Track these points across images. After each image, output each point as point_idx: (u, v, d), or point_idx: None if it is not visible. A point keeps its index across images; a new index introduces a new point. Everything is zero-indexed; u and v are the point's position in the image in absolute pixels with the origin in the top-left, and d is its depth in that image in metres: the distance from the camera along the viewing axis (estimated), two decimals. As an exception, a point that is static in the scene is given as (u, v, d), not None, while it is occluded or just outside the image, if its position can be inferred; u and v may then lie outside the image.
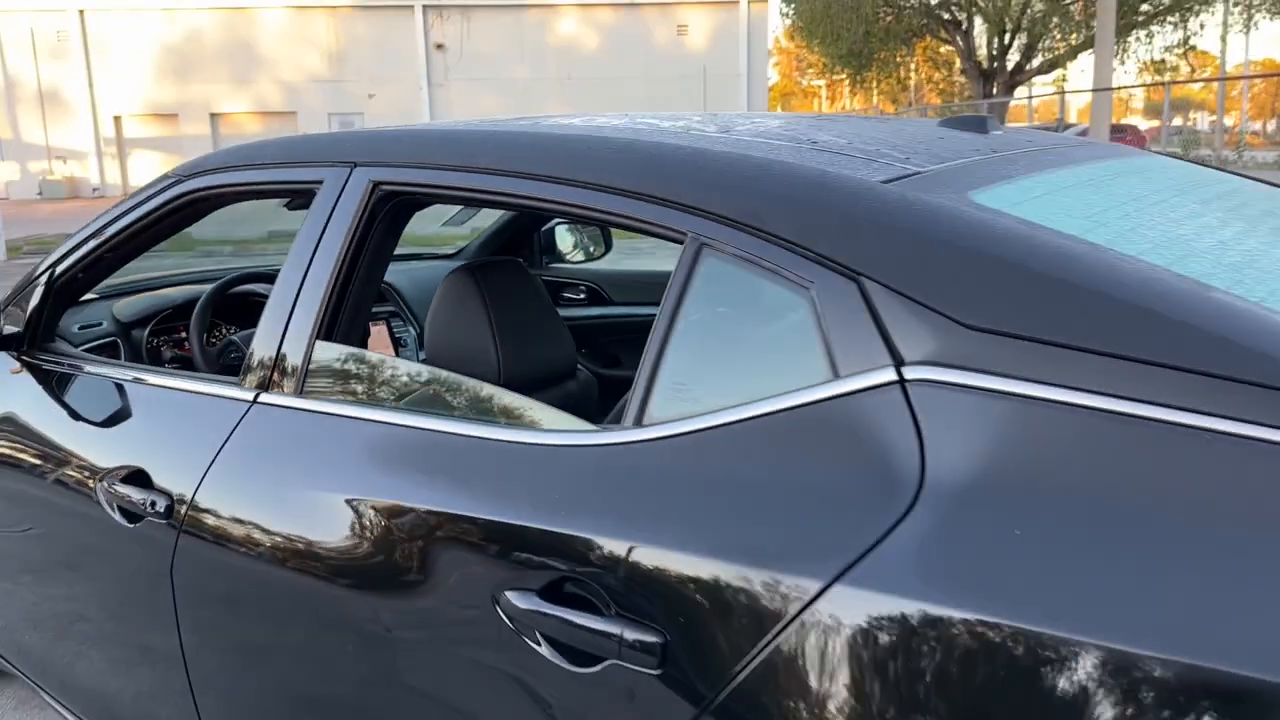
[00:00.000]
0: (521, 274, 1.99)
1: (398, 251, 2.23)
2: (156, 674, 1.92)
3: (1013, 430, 1.01)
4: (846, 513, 1.06)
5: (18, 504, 2.18)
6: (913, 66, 21.11)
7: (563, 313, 2.90)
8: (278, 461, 1.64)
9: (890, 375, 1.09)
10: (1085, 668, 0.89)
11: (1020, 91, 19.70)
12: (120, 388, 2.00)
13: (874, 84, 21.11)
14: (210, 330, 2.85)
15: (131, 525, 1.82)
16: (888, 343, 1.10)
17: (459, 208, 3.45)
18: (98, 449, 1.95)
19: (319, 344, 1.68)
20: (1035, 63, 18.61)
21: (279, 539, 1.58)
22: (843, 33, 18.07)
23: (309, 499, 1.56)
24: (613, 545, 1.20)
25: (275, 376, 1.72)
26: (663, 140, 1.47)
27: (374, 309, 2.64)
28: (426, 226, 3.73)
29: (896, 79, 21.33)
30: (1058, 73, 19.92)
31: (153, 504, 1.76)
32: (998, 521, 0.99)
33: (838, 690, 1.02)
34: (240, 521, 1.64)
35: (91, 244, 2.21)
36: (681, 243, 1.32)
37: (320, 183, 1.79)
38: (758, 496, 1.14)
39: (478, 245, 3.62)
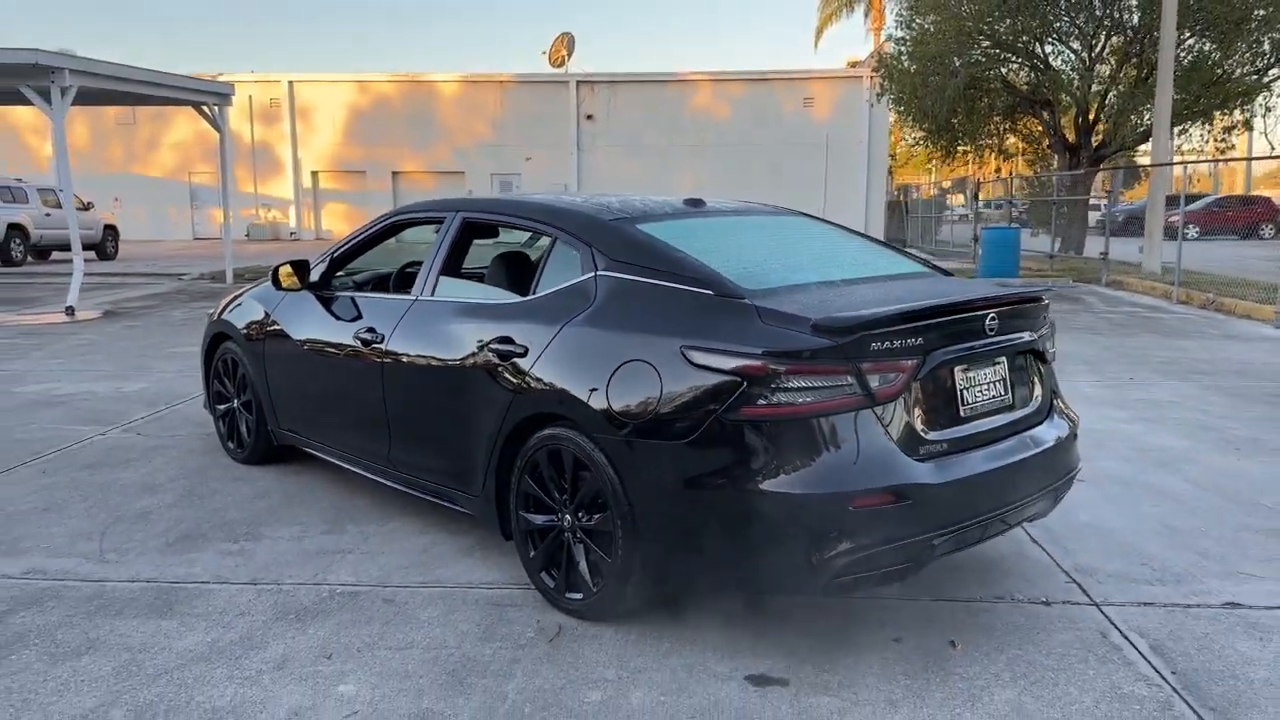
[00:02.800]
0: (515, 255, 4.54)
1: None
2: (370, 426, 4.50)
3: (619, 287, 3.45)
4: (575, 307, 3.50)
5: (314, 360, 4.83)
6: (1002, 142, 22.68)
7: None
8: (423, 322, 4.22)
9: (593, 274, 3.56)
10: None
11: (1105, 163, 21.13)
12: (355, 302, 4.65)
13: (969, 157, 22.90)
14: (390, 282, 5.47)
15: (365, 348, 4.42)
16: (594, 264, 3.58)
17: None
18: (350, 322, 4.58)
19: (441, 278, 4.28)
20: (1118, 140, 20.06)
21: (423, 355, 4.14)
22: (932, 111, 19.95)
23: (435, 334, 4.12)
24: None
25: (424, 290, 4.31)
26: (554, 201, 4.01)
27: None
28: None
29: (989, 151, 23.05)
30: (1142, 148, 21.25)
31: (378, 338, 4.36)
32: (609, 310, 3.42)
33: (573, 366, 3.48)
34: (409, 348, 4.22)
35: (349, 244, 4.90)
36: (551, 236, 3.85)
37: (444, 217, 4.40)
38: (558, 308, 3.60)
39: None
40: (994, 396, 3.34)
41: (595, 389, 3.25)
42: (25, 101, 12.45)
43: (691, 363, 3.04)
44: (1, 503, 4.75)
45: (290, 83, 34.63)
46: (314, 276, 4.86)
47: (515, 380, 3.54)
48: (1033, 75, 20.60)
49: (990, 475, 3.19)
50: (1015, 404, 3.43)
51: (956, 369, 3.20)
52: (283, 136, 34.84)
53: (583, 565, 3.40)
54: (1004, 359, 3.40)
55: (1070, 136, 21.14)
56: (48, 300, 14.27)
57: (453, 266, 4.31)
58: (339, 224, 34.82)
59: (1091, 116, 20.48)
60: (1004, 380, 3.39)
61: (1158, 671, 3.08)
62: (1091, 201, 21.70)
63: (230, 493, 4.90)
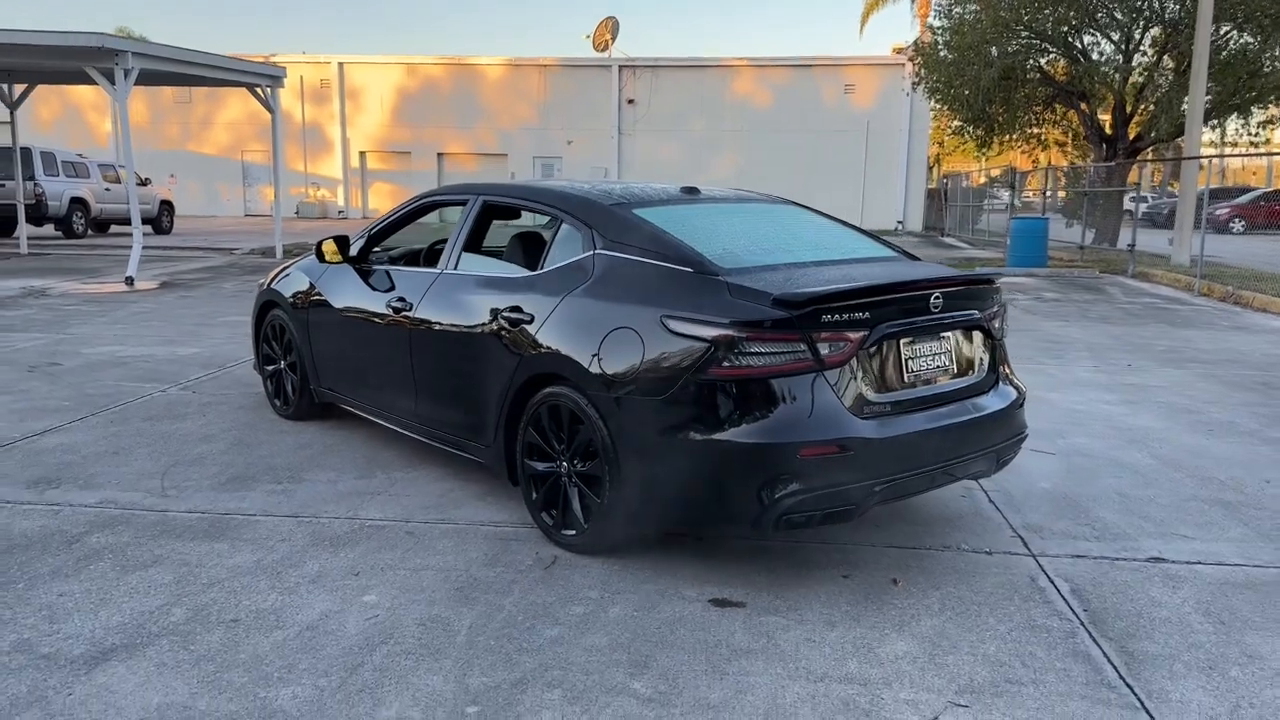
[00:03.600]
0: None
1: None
2: (399, 384, 5.04)
3: (613, 264, 3.93)
4: (576, 281, 3.99)
5: (351, 325, 5.37)
6: (1041, 131, 22.71)
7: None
8: (447, 293, 4.73)
9: (592, 252, 4.04)
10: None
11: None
12: (389, 274, 5.17)
13: (1005, 146, 22.97)
14: (420, 256, 5.99)
15: (396, 315, 4.95)
16: (594, 243, 4.06)
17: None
18: (384, 292, 5.11)
19: (464, 254, 4.78)
20: (1154, 133, 20.05)
21: (445, 321, 4.65)
22: (968, 101, 20.06)
23: (456, 303, 4.63)
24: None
25: (448, 265, 4.82)
26: (561, 186, 4.50)
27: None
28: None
29: (1025, 140, 23.10)
30: (1176, 142, 21.22)
31: (407, 307, 4.88)
32: (603, 284, 3.90)
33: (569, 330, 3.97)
34: (434, 316, 4.73)
35: (385, 221, 5.43)
36: (558, 218, 4.34)
37: (467, 200, 4.91)
38: (561, 281, 4.08)
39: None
40: (938, 366, 3.78)
41: (589, 352, 3.74)
42: (90, 81, 13.17)
43: (669, 330, 3.52)
44: (77, 446, 5.36)
45: (340, 64, 35.44)
46: (353, 251, 5.39)
47: (522, 344, 4.04)
48: (1071, 67, 20.65)
49: (929, 434, 3.63)
50: (959, 374, 3.86)
51: (902, 340, 3.64)
52: (332, 117, 35.67)
53: (576, 506, 3.90)
54: (951, 334, 3.83)
55: (1107, 128, 21.17)
56: (108, 271, 15.07)
57: (474, 244, 4.82)
58: (385, 203, 35.60)
59: (1129, 109, 20.50)
60: (949, 353, 3.83)
61: (1071, 609, 3.51)
62: (1138, 194, 21.69)
63: (275, 443, 5.47)
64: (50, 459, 5.11)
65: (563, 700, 2.83)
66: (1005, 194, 23.83)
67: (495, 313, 4.23)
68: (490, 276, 4.46)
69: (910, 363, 3.68)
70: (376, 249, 5.55)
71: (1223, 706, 2.87)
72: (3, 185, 20.71)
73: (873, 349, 3.54)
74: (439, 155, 35.37)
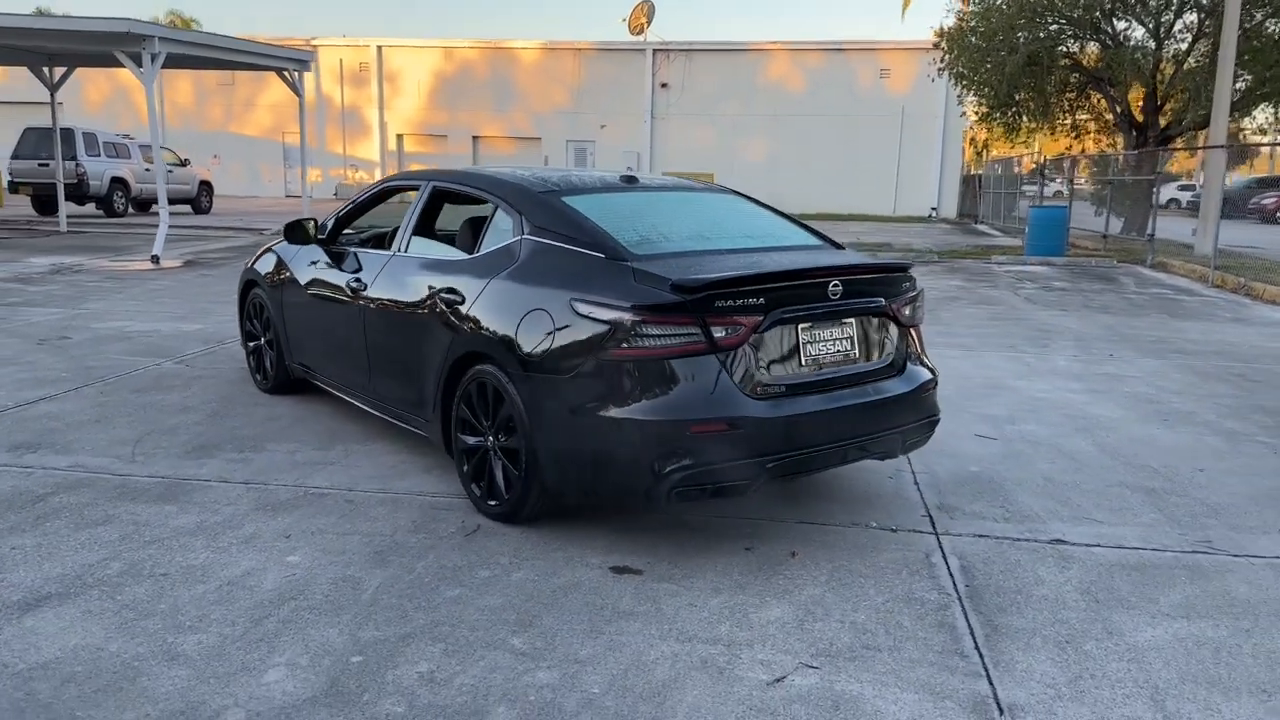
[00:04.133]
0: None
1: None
2: (356, 360, 5.29)
3: (536, 249, 4.13)
4: (503, 264, 4.19)
5: (317, 304, 5.65)
6: (1072, 118, 22.42)
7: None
8: (396, 274, 4.96)
9: (520, 237, 4.25)
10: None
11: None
12: (353, 255, 5.42)
13: (1034, 133, 22.72)
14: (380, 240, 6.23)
15: (353, 295, 5.20)
16: (522, 229, 4.26)
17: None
18: (345, 273, 5.37)
19: (414, 237, 5.02)
20: (1185, 121, 19.71)
21: (393, 301, 4.89)
22: (994, 86, 19.83)
23: (402, 284, 4.87)
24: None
25: (400, 247, 5.06)
26: (500, 173, 4.71)
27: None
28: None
29: (1053, 128, 22.84)
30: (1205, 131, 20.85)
31: (363, 287, 5.13)
32: (526, 268, 4.10)
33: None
34: (384, 295, 4.97)
35: (350, 206, 5.69)
36: (494, 204, 4.54)
37: (419, 186, 5.14)
38: (491, 265, 4.30)
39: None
40: (838, 351, 3.94)
41: (508, 332, 3.95)
42: (120, 64, 13.61)
43: (576, 312, 3.72)
44: (63, 414, 5.70)
45: (379, 47, 35.89)
46: (323, 234, 5.66)
47: (455, 324, 4.27)
48: (1102, 53, 20.38)
49: (825, 415, 3.80)
50: (861, 358, 4.02)
51: (801, 326, 3.81)
52: (370, 100, 36.17)
53: (499, 478, 4.12)
54: (853, 319, 3.98)
55: (1137, 115, 20.87)
56: (138, 249, 15.59)
57: (424, 227, 5.05)
58: (421, 185, 36.15)
59: (1159, 96, 20.19)
60: (851, 338, 3.98)
61: (954, 584, 3.67)
62: (1181, 182, 21.40)
63: (248, 415, 5.77)
64: (36, 425, 5.45)
65: (443, 653, 3.07)
66: (1043, 181, 23.57)
67: (434, 293, 4.46)
68: (433, 259, 4.69)
69: (808, 347, 3.84)
70: (348, 230, 5.81)
71: (1064, 677, 3.02)
72: (45, 165, 21.40)
73: (768, 333, 3.71)
74: (474, 138, 35.74)
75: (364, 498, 4.43)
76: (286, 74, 17.42)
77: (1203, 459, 5.33)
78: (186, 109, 36.96)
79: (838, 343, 3.94)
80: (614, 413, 3.60)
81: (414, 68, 35.79)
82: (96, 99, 37.02)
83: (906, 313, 4.21)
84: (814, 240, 4.62)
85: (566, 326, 3.75)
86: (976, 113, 21.40)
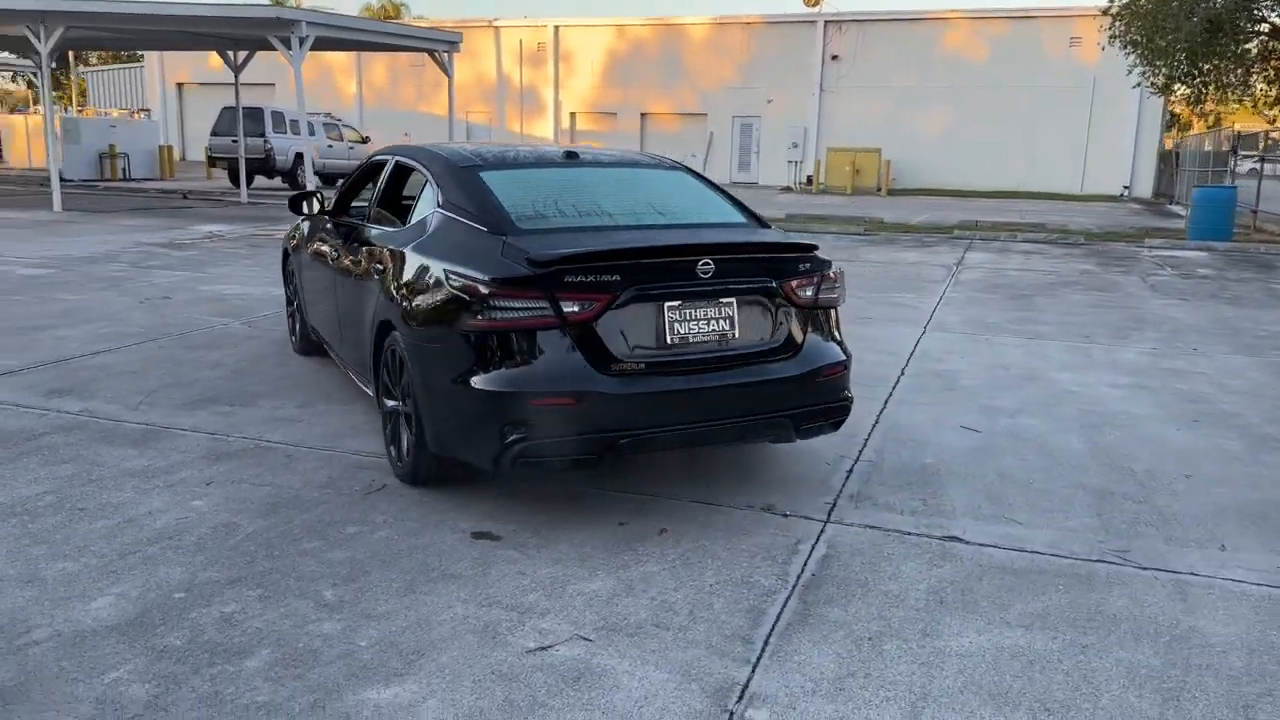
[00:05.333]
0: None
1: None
2: (333, 323, 5.61)
3: (441, 221, 4.26)
4: (416, 236, 4.34)
5: (314, 271, 6.01)
6: (1272, 88, 20.16)
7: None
8: (355, 244, 5.15)
9: (433, 210, 4.39)
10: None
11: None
12: (339, 226, 5.69)
13: (1221, 104, 20.59)
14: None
15: (331, 264, 5.50)
16: (436, 202, 4.41)
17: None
18: (332, 242, 5.68)
19: (377, 208, 5.27)
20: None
21: (349, 270, 5.12)
22: (1168, 54, 18.09)
23: (357, 253, 5.11)
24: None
25: (365, 218, 5.29)
26: (435, 149, 4.85)
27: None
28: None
29: (1254, 101, 20.62)
30: None
31: (336, 255, 5.42)
32: (430, 239, 4.22)
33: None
34: (346, 263, 5.20)
35: (349, 180, 6.02)
36: (424, 178, 4.69)
37: (387, 160, 5.37)
38: (408, 236, 4.46)
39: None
40: (712, 330, 3.87)
41: (405, 302, 4.13)
42: (272, 47, 14.73)
43: (449, 284, 3.85)
44: (112, 365, 6.36)
45: (556, 27, 36.84)
46: (328, 206, 6.03)
47: (377, 292, 4.49)
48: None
49: (690, 394, 3.76)
50: (742, 339, 3.93)
51: (667, 304, 3.77)
52: (547, 79, 37.23)
53: (404, 440, 4.32)
54: (733, 299, 3.90)
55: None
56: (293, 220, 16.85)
57: (388, 199, 5.29)
58: (591, 161, 36.96)
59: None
60: (730, 318, 3.90)
61: (801, 573, 3.56)
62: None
63: (265, 374, 6.24)
64: (80, 374, 6.12)
65: (256, 598, 3.29)
66: (1235, 159, 21.44)
67: (370, 262, 4.69)
68: (379, 231, 4.93)
69: (676, 325, 3.80)
70: (357, 203, 6.15)
71: (835, 673, 2.91)
72: (237, 141, 23.39)
73: (626, 309, 3.70)
74: (642, 115, 36.14)
75: (304, 453, 4.74)
76: (436, 55, 18.26)
77: (1201, 465, 4.85)
78: (382, 89, 39.27)
79: (713, 322, 3.87)
80: (470, 380, 3.72)
81: (588, 47, 36.52)
82: (305, 79, 39.91)
83: (807, 294, 4.08)
84: (737, 219, 4.53)
85: (441, 297, 3.88)
86: (1152, 84, 19.59)
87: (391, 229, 4.79)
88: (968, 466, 4.75)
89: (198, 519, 3.93)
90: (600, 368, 3.66)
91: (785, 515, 4.09)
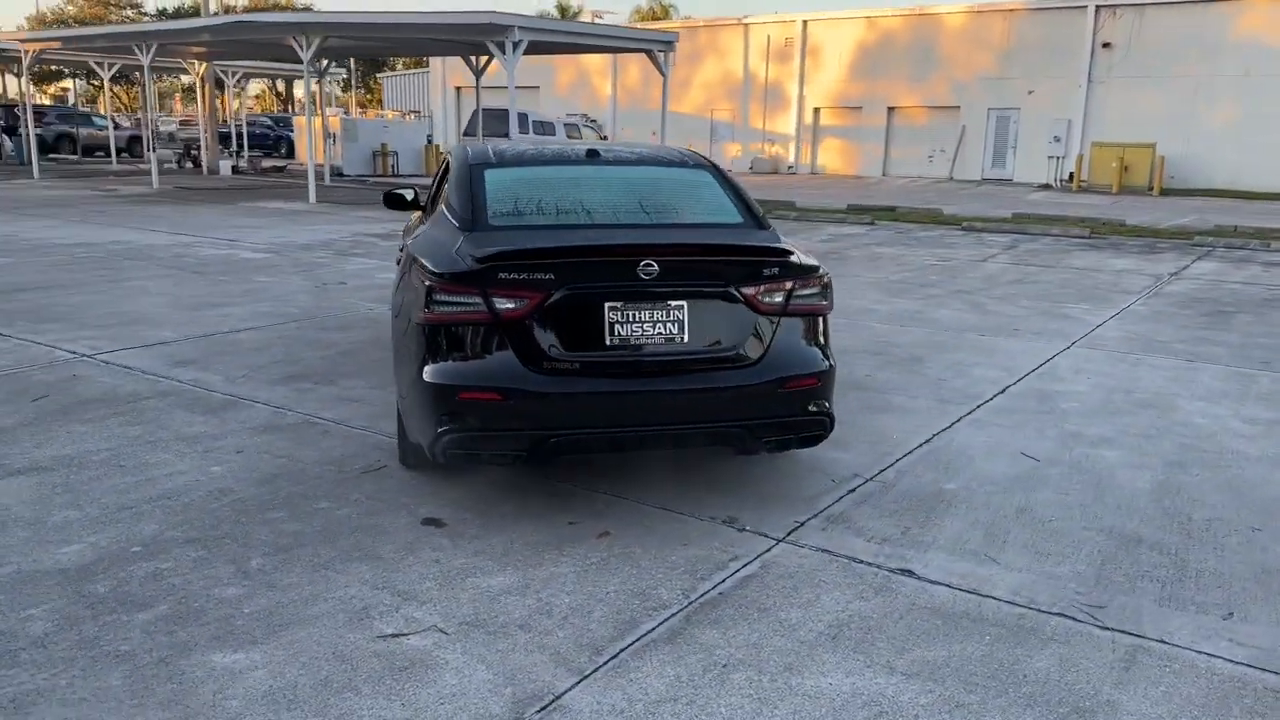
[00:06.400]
0: None
1: None
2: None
3: (436, 217, 4.42)
4: (420, 228, 4.55)
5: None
6: None
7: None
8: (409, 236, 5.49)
9: (440, 205, 4.54)
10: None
11: None
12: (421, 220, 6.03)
13: None
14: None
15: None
16: (443, 200, 4.54)
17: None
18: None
19: (429, 204, 5.51)
20: None
21: (397, 259, 5.42)
22: None
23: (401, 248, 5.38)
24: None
25: (427, 212, 5.56)
26: (470, 146, 4.98)
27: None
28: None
29: None
30: None
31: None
32: (426, 231, 4.41)
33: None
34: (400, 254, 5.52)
35: (436, 177, 6.32)
36: None
37: (448, 158, 5.58)
38: (419, 228, 4.66)
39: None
40: (658, 333, 3.76)
41: (395, 294, 4.34)
42: (486, 51, 15.65)
43: (413, 278, 4.01)
44: (246, 341, 7.08)
45: (804, 22, 36.35)
46: (421, 201, 6.38)
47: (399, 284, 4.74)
48: None
49: (629, 398, 3.69)
50: (691, 343, 3.78)
51: (609, 304, 3.72)
52: (792, 74, 36.84)
53: (399, 425, 4.54)
54: (683, 302, 3.77)
55: None
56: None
57: (436, 195, 5.52)
58: (833, 159, 36.17)
59: None
60: (679, 321, 3.77)
61: (712, 589, 3.41)
62: None
63: (366, 356, 6.71)
64: (214, 348, 6.87)
65: (193, 559, 3.60)
66: None
67: (402, 254, 4.95)
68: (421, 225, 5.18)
69: (616, 326, 3.74)
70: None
71: (661, 696, 2.79)
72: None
73: (562, 308, 3.69)
74: (889, 109, 34.89)
75: (339, 431, 5.08)
76: (652, 55, 18.63)
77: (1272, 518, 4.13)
78: (634, 89, 40.49)
79: (659, 325, 3.77)
80: (415, 370, 3.85)
81: (836, 40, 35.75)
82: (565, 82, 41.95)
83: (773, 300, 3.87)
84: (731, 220, 4.35)
85: (410, 290, 4.05)
86: None
87: (421, 225, 5.02)
88: (991, 497, 4.31)
89: (204, 483, 4.33)
90: (531, 365, 3.68)
91: (742, 530, 3.92)
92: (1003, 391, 6.07)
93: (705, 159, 5.04)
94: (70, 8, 61.49)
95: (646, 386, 3.73)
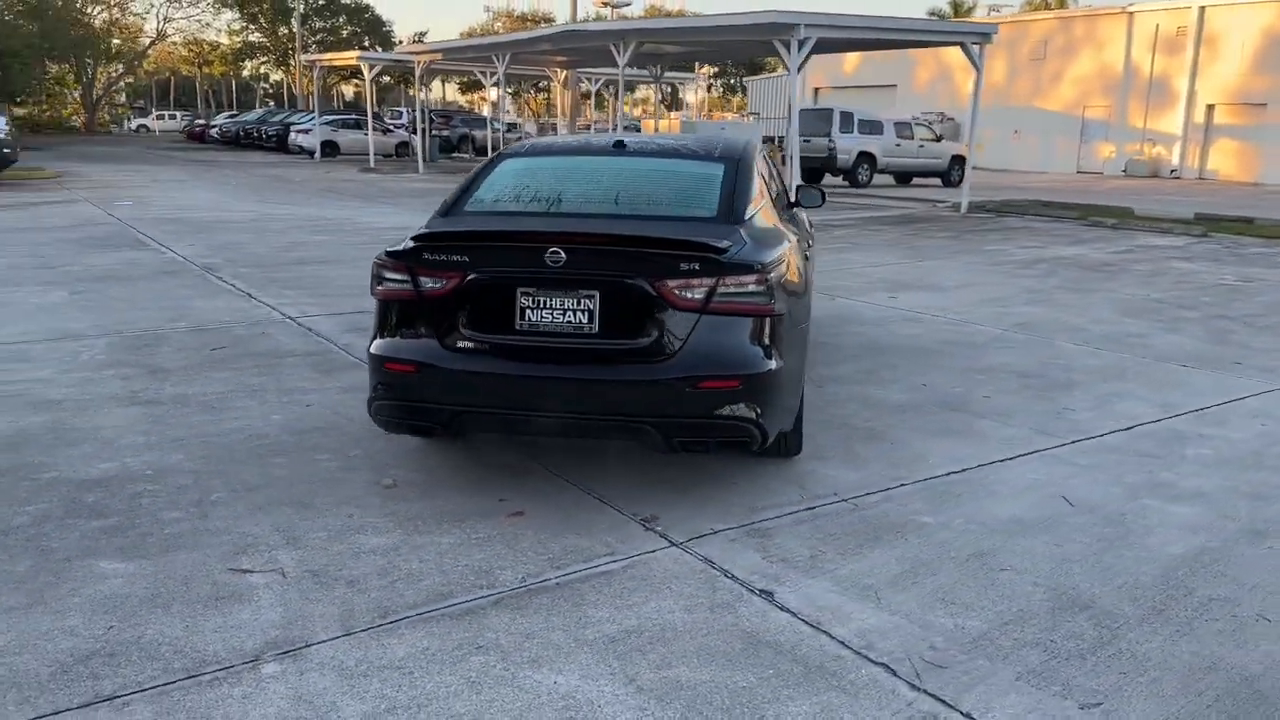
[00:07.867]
0: None
1: None
2: None
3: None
4: None
5: None
6: None
7: None
8: None
9: None
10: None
11: None
12: None
13: None
14: None
15: None
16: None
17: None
18: None
19: None
20: None
21: None
22: None
23: None
24: None
25: None
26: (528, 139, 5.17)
27: None
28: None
29: None
30: None
31: None
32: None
33: None
34: None
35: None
36: None
37: None
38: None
39: None
40: (567, 321, 3.76)
41: None
42: (773, 52, 15.67)
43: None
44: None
45: (1201, 9, 32.12)
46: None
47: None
48: None
49: (530, 381, 3.76)
50: (602, 334, 3.74)
51: (521, 289, 3.79)
52: (1181, 68, 32.73)
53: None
54: (596, 292, 3.74)
55: None
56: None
57: None
58: (1227, 163, 31.64)
59: None
60: (589, 311, 3.74)
61: (548, 579, 3.40)
62: None
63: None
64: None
65: (177, 487, 4.18)
66: None
67: None
68: None
69: (527, 312, 3.80)
70: None
71: (374, 665, 2.89)
72: (808, 141, 24.94)
73: (478, 291, 3.83)
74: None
75: (352, 413, 5.55)
76: (968, 47, 17.58)
77: (1327, 612, 3.24)
78: (998, 86, 38.12)
79: (569, 313, 3.78)
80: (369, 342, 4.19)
81: (1239, 28, 31.13)
82: (924, 79, 40.53)
83: (691, 296, 3.71)
84: (699, 215, 4.19)
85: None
86: None
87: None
88: (960, 537, 3.81)
89: (252, 427, 4.99)
90: (444, 343, 3.86)
91: (650, 529, 3.83)
92: (1127, 430, 5.20)
93: (738, 154, 4.82)
94: (497, 23, 69.86)
95: (551, 373, 3.76)
